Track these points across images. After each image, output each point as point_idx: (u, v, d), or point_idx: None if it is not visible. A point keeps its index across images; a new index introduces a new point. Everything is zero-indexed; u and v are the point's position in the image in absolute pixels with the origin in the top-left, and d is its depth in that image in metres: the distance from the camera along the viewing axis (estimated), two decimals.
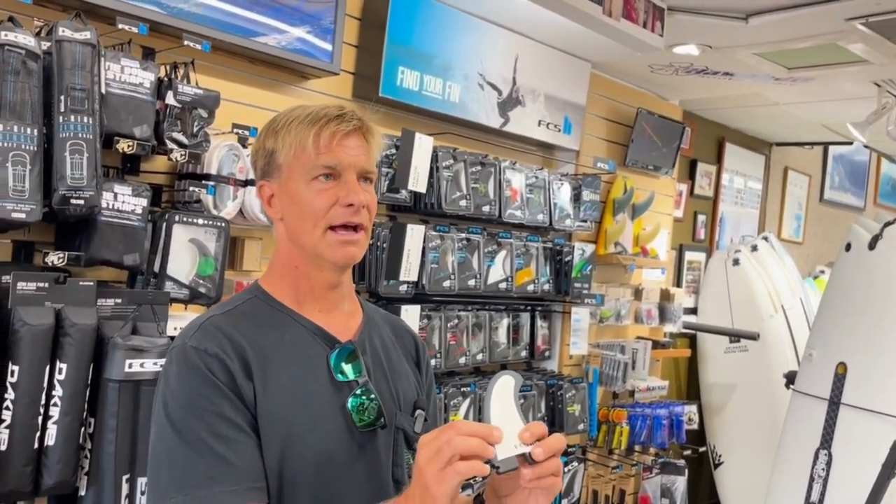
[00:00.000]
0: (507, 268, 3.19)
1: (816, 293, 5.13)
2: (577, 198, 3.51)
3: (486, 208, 3.05)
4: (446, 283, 2.93)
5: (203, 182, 2.19)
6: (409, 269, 2.79)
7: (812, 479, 1.84)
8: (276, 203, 1.19)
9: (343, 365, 1.16)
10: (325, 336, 1.17)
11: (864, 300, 1.90)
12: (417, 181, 2.76)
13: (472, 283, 3.03)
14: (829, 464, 1.86)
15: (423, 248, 2.83)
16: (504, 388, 1.01)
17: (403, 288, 2.80)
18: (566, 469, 3.50)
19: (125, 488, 1.90)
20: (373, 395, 1.16)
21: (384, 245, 2.74)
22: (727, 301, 4.61)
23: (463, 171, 2.97)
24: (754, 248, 4.69)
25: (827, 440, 1.88)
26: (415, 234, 2.79)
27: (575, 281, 3.45)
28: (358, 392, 1.15)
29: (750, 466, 4.46)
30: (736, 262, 4.58)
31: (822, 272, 5.68)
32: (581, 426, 3.52)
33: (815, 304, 4.98)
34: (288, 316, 1.17)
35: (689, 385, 4.83)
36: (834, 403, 1.87)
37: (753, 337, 4.30)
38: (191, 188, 2.17)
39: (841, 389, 1.88)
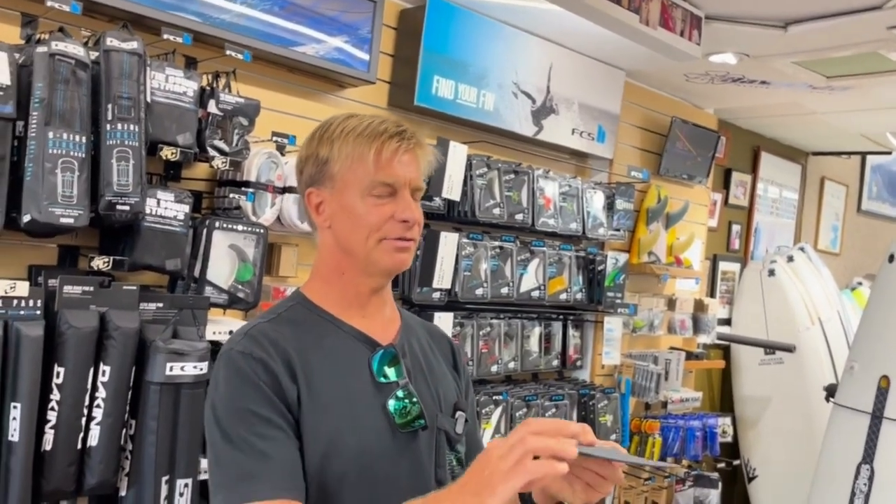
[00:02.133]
0: (540, 276, 3.18)
1: (854, 305, 5.03)
2: (610, 206, 3.49)
3: (519, 216, 3.05)
4: (479, 291, 2.93)
5: (243, 189, 2.23)
6: (443, 277, 2.80)
7: (853, 494, 1.81)
8: (324, 211, 1.20)
9: (385, 368, 1.18)
10: (366, 340, 1.19)
11: None
12: (452, 189, 2.78)
13: (504, 291, 3.03)
14: (871, 478, 1.82)
15: (457, 255, 2.83)
16: None
17: (436, 295, 2.81)
18: None
19: (164, 489, 1.93)
20: (414, 398, 1.17)
21: (418, 252, 2.76)
22: (762, 312, 4.54)
23: (497, 179, 2.97)
24: (790, 259, 4.62)
25: (869, 455, 1.84)
26: (448, 242, 2.80)
27: (608, 290, 3.43)
28: (399, 394, 1.17)
29: (785, 481, 4.38)
30: (772, 272, 4.52)
31: (860, 284, 5.57)
32: (613, 437, 3.49)
33: (853, 317, 4.90)
34: (330, 322, 1.19)
35: (723, 397, 4.77)
36: (877, 417, 1.84)
37: (790, 349, 4.23)
38: (231, 195, 2.21)
39: (884, 403, 1.84)
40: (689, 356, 4.00)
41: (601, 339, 3.57)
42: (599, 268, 3.43)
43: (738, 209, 4.84)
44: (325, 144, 1.19)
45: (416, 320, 1.36)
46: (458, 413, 1.26)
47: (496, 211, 2.96)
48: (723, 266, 4.72)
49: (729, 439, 4.12)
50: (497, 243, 3.03)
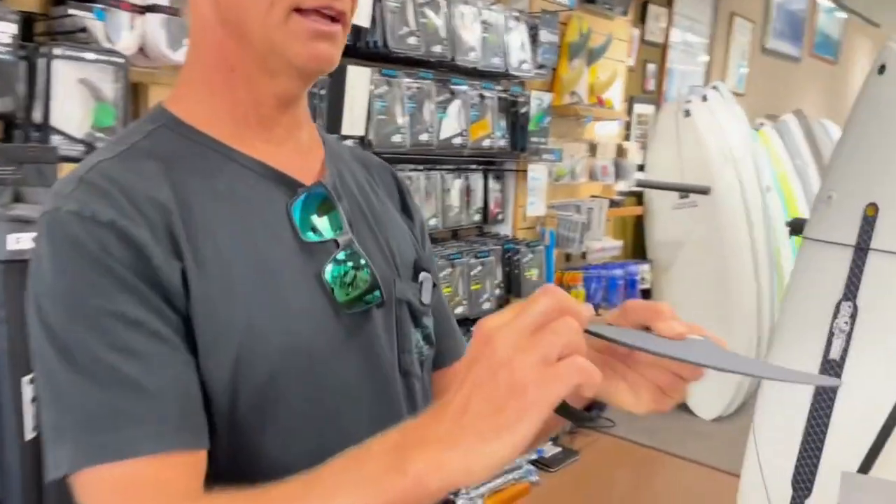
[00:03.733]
0: (462, 120, 2.80)
1: (761, 146, 5.00)
2: (534, 39, 3.10)
3: (437, 48, 2.62)
4: (396, 138, 2.53)
5: (88, 5, 1.68)
6: (354, 122, 2.38)
7: (832, 335, 1.64)
8: None
9: (313, 219, 0.80)
10: (280, 178, 0.80)
11: None
12: (359, 12, 2.29)
13: (424, 137, 2.65)
14: (853, 316, 1.65)
15: (369, 96, 2.40)
16: None
17: (348, 144, 2.38)
18: None
19: (28, 392, 1.52)
20: (362, 259, 0.80)
21: (321, 92, 2.30)
22: (678, 155, 4.39)
23: (410, 1, 2.50)
24: (705, 99, 4.44)
25: (851, 291, 1.67)
26: (358, 80, 2.36)
27: (532, 135, 3.11)
28: (340, 256, 0.79)
29: (695, 322, 4.42)
30: (687, 113, 4.33)
31: (762, 125, 5.55)
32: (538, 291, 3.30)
33: (763, 157, 4.87)
34: (218, 152, 0.78)
35: (636, 244, 4.69)
36: (861, 250, 1.65)
37: (705, 191, 4.13)
38: (73, 12, 1.66)
39: (870, 234, 1.65)
40: (611, 204, 3.81)
41: (524, 189, 3.29)
42: (523, 110, 3.09)
43: (654, 47, 4.56)
44: None
45: (343, 147, 0.96)
46: (422, 275, 0.89)
47: (411, 41, 2.51)
48: (638, 109, 4.49)
49: (648, 286, 4.05)
50: (412, 81, 2.60)
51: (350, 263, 0.79)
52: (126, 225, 0.67)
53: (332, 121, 2.31)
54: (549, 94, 3.17)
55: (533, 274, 3.27)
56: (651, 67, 4.56)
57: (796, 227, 1.99)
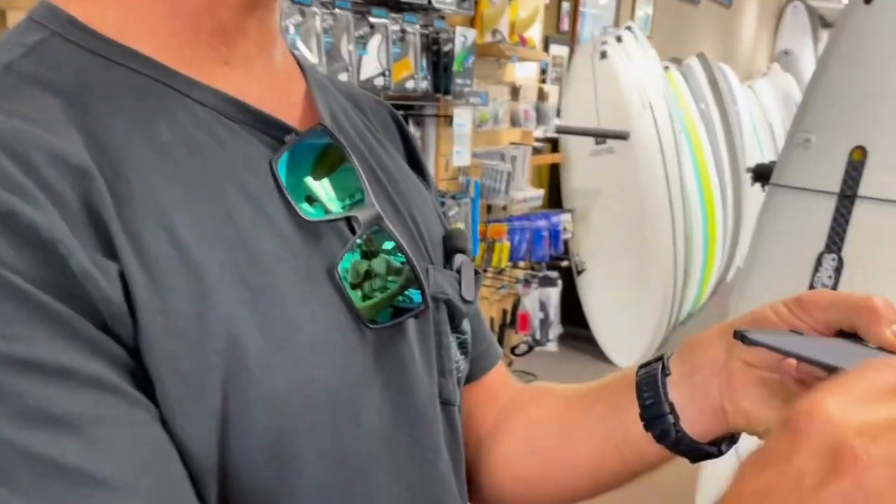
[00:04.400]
0: (384, 58, 2.49)
1: (669, 88, 4.94)
2: None
3: None
4: None
5: None
6: None
7: (813, 289, 1.48)
8: None
9: (309, 182, 0.50)
10: (257, 120, 0.49)
11: (893, 65, 1.50)
12: None
13: (343, 77, 2.32)
14: (838, 270, 1.52)
15: (280, 27, 2.04)
16: None
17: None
18: None
19: None
20: (391, 244, 0.51)
21: None
22: (594, 99, 4.25)
23: None
24: (619, 40, 4.29)
25: (835, 242, 1.53)
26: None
27: (456, 76, 2.83)
28: (360, 241, 0.50)
29: (611, 273, 4.37)
30: (603, 54, 4.17)
31: (667, 68, 5.50)
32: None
33: (675, 99, 4.81)
34: (157, 80, 0.47)
35: (553, 192, 4.54)
36: (846, 197, 1.51)
37: (624, 136, 4.02)
38: None
39: (857, 180, 1.52)
40: (533, 151, 3.62)
41: (447, 136, 3.02)
42: (446, 48, 2.79)
43: None
44: None
45: (323, 75, 0.65)
46: (458, 258, 0.61)
47: None
48: (553, 50, 4.29)
49: (570, 236, 3.92)
50: (328, 12, 2.25)
51: (376, 251, 0.51)
52: (16, 206, 0.37)
53: None
54: (472, 31, 2.89)
55: (459, 228, 3.04)
56: (566, 6, 4.36)
57: (762, 173, 1.84)
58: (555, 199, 4.51)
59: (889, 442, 0.33)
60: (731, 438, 0.57)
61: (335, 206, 0.50)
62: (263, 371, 0.43)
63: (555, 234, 3.69)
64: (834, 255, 1.58)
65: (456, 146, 2.98)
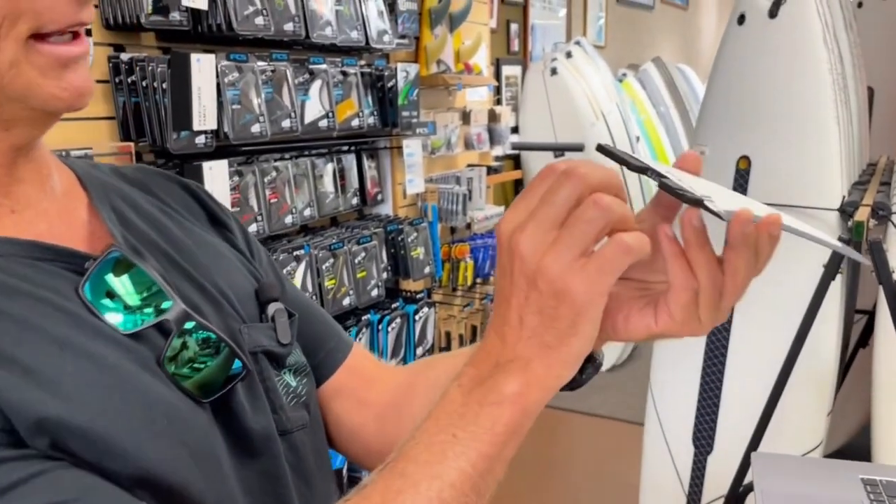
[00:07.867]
0: (325, 101, 2.63)
1: (626, 97, 5.10)
2: (391, 8, 2.95)
3: (289, 27, 2.43)
4: (255, 128, 2.34)
5: None
6: (204, 115, 2.16)
7: None
8: None
9: (116, 294, 0.59)
10: (54, 254, 0.59)
11: (765, 81, 1.64)
12: None
13: (286, 123, 2.46)
14: None
15: (218, 85, 2.19)
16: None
17: (201, 140, 2.17)
18: (417, 316, 3.22)
19: None
20: (205, 330, 0.62)
21: (163, 86, 2.07)
22: (549, 114, 4.40)
23: None
24: (569, 55, 4.46)
25: None
26: (203, 68, 2.14)
27: (402, 109, 2.98)
28: (175, 340, 0.60)
29: None
30: (554, 71, 4.33)
31: (625, 75, 5.66)
32: (427, 269, 3.21)
33: (629, 108, 4.97)
34: None
35: None
36: None
37: (579, 148, 4.17)
38: None
39: (745, 187, 1.64)
40: (489, 171, 3.76)
41: (401, 166, 3.16)
42: (389, 84, 2.94)
43: (514, 6, 4.52)
44: None
45: (102, 169, 0.73)
46: (271, 307, 0.71)
47: (259, 21, 2.30)
48: (505, 71, 4.44)
49: None
50: (266, 64, 2.40)
51: (194, 334, 0.61)
52: None
53: (179, 117, 2.09)
54: (414, 66, 3.04)
55: (419, 252, 3.17)
56: (514, 27, 4.52)
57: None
58: None
59: (532, 230, 0.49)
60: (591, 359, 0.59)
61: (146, 309, 0.60)
62: (137, 447, 0.54)
63: None
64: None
65: (408, 175, 3.12)
